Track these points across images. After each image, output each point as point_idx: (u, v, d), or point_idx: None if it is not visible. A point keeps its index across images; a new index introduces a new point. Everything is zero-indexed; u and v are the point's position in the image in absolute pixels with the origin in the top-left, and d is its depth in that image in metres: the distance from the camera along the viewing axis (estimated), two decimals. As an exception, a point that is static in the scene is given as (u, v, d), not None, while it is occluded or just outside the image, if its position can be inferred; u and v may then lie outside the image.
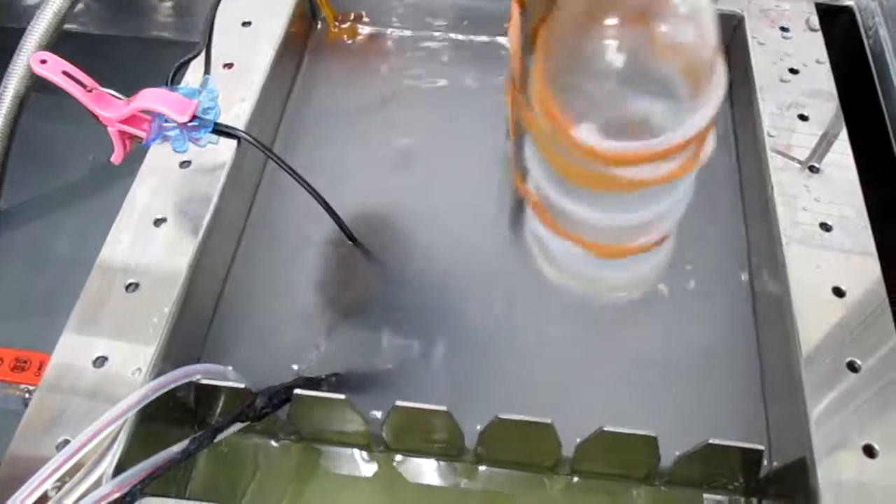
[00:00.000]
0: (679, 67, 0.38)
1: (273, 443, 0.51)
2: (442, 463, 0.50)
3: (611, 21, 0.37)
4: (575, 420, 0.46)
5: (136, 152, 0.53)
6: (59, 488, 0.40)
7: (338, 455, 0.51)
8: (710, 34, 0.38)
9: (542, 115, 0.40)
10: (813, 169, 0.54)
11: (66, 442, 0.41)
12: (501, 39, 0.70)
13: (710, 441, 0.44)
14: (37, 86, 0.56)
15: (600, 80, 0.38)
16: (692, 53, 0.38)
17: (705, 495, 0.49)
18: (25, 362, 0.55)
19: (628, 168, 0.40)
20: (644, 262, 0.52)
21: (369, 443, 0.50)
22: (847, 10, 0.67)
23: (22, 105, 0.58)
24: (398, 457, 0.51)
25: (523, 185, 0.49)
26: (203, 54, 0.54)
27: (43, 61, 0.48)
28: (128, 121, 0.48)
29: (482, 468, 0.50)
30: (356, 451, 0.51)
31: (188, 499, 0.48)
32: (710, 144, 0.42)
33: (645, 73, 0.38)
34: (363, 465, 0.51)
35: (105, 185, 0.66)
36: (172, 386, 0.43)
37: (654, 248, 0.49)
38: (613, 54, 0.37)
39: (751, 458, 0.46)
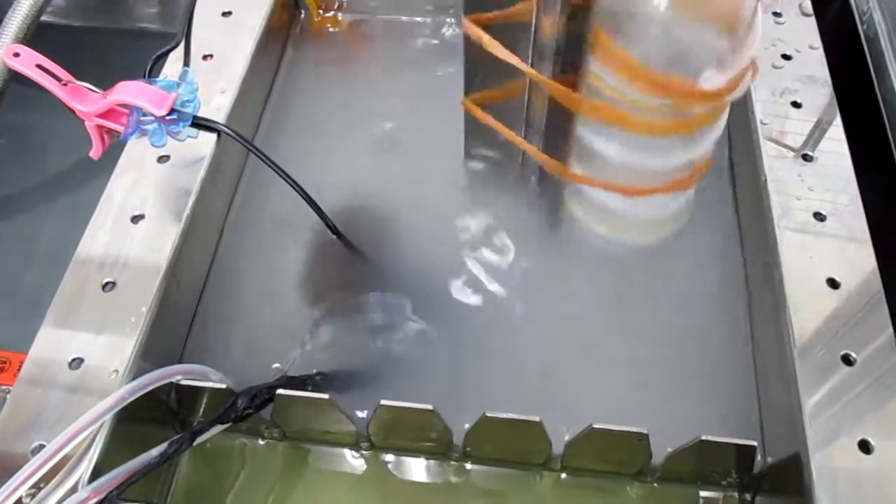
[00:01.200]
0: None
1: (259, 442, 0.51)
2: (430, 461, 0.50)
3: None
4: (565, 417, 0.45)
5: (118, 147, 0.52)
6: (34, 494, 0.39)
7: (324, 454, 0.50)
8: None
9: (611, 66, 0.44)
10: (806, 157, 0.53)
11: (42, 446, 0.40)
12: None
13: (703, 437, 0.43)
14: (21, 79, 0.55)
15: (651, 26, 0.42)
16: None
17: (699, 491, 0.48)
18: (5, 362, 0.54)
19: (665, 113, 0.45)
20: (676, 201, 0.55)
21: (356, 442, 0.49)
22: (841, -5, 0.66)
23: (1, 100, 0.57)
24: (386, 455, 0.50)
25: (563, 167, 0.52)
26: (182, 46, 0.52)
27: (16, 54, 0.47)
28: (105, 115, 0.47)
29: (471, 466, 0.49)
30: (343, 450, 0.50)
31: (169, 502, 0.48)
32: (742, 87, 0.46)
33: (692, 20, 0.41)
34: (350, 464, 0.50)
35: (90, 179, 0.65)
36: (151, 388, 0.42)
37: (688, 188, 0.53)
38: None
39: (744, 454, 0.45)
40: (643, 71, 0.43)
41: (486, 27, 0.47)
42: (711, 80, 0.43)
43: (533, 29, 0.46)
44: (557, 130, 0.51)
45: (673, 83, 0.43)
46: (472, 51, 0.48)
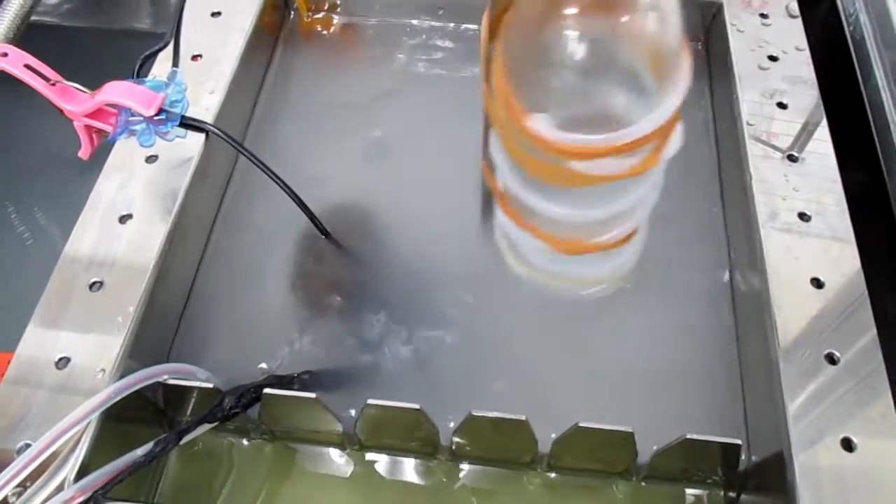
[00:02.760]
0: (643, 59, 0.37)
1: (246, 442, 0.50)
2: (418, 461, 0.50)
3: (571, 10, 0.35)
4: (551, 417, 0.45)
5: (107, 147, 0.52)
6: (20, 493, 0.39)
7: (312, 454, 0.50)
8: (675, 24, 0.36)
9: (500, 104, 0.39)
10: (792, 158, 0.54)
11: (28, 445, 0.40)
12: (474, 26, 0.69)
13: (688, 436, 0.43)
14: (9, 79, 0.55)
15: (562, 71, 0.37)
16: (656, 44, 0.37)
17: (685, 490, 0.48)
18: (-7, 362, 0.54)
19: (584, 161, 0.38)
20: (609, 260, 0.51)
21: (343, 441, 0.49)
22: (827, -4, 0.66)
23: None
24: (374, 455, 0.50)
25: (492, 176, 0.48)
26: (171, 46, 0.52)
27: (4, 54, 0.47)
28: (94, 115, 0.47)
29: (459, 465, 0.49)
30: (331, 450, 0.50)
31: (157, 501, 0.48)
32: (675, 142, 0.41)
33: (608, 66, 0.37)
34: (338, 464, 0.50)
35: (78, 179, 0.64)
36: (137, 387, 0.42)
37: (619, 247, 0.47)
38: (575, 45, 0.36)
39: (729, 453, 0.45)
40: (507, 98, 0.39)
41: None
42: (537, 122, 0.38)
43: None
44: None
45: (516, 113, 0.38)
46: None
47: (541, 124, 0.37)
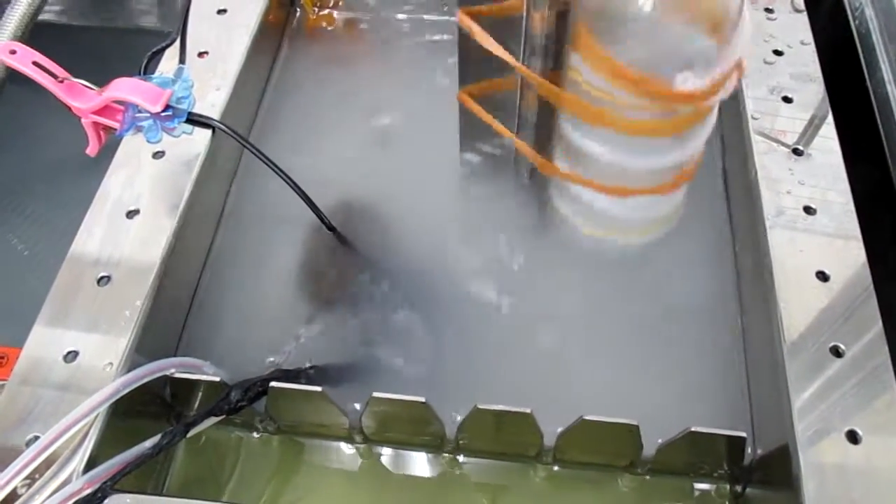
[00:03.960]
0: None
1: (253, 435, 0.51)
2: (424, 454, 0.50)
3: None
4: (556, 410, 0.45)
5: (114, 143, 0.52)
6: (30, 485, 0.40)
7: (319, 447, 0.50)
8: None
9: (620, 83, 0.43)
10: (797, 152, 0.53)
11: (36, 438, 0.41)
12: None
13: (693, 429, 0.43)
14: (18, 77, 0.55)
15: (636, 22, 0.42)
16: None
17: (691, 483, 0.48)
18: (3, 357, 0.54)
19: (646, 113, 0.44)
20: (664, 204, 0.54)
21: (349, 435, 0.49)
22: (833, -9, 0.66)
23: (-2, 97, 0.58)
24: (380, 448, 0.50)
25: (551, 164, 0.52)
26: (178, 43, 0.53)
27: (13, 52, 0.47)
28: (101, 111, 0.48)
29: (464, 459, 0.50)
30: (337, 443, 0.50)
31: (164, 494, 0.48)
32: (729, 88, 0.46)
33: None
34: (344, 457, 0.50)
35: (86, 176, 0.65)
36: (145, 380, 0.42)
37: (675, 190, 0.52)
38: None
39: (734, 446, 0.45)
40: (621, 69, 0.43)
41: (480, 20, 0.47)
42: (688, 81, 0.43)
43: (524, 24, 0.46)
44: (546, 126, 0.52)
45: (650, 82, 0.43)
46: (466, 43, 0.48)
47: (689, 82, 0.42)
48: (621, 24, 0.43)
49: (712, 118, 0.49)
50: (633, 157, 0.48)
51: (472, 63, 0.51)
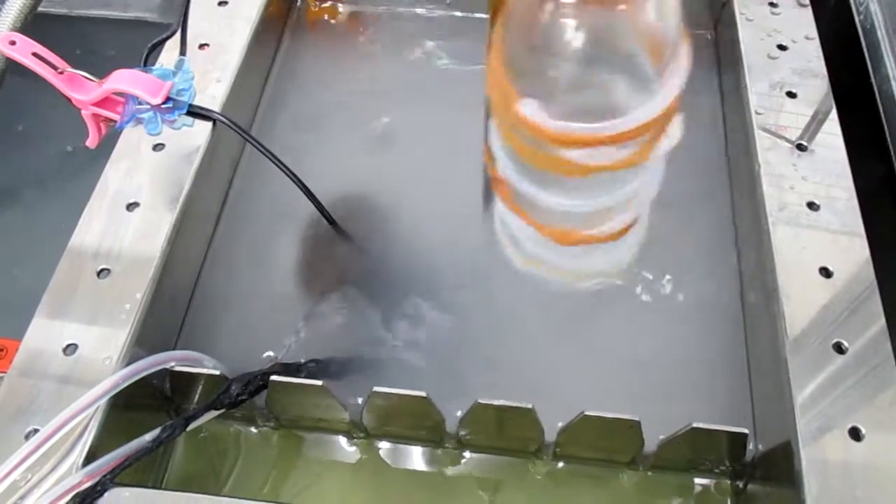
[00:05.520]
0: (642, 49, 0.37)
1: (253, 429, 0.51)
2: (424, 448, 0.50)
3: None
4: (558, 406, 0.45)
5: (114, 135, 0.52)
6: (29, 478, 0.39)
7: (319, 442, 0.50)
8: (674, 13, 0.36)
9: (493, 88, 0.39)
10: (801, 147, 0.53)
11: (36, 431, 0.41)
12: (483, 15, 0.69)
13: (694, 425, 0.43)
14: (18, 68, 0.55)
15: (560, 59, 0.36)
16: (655, 33, 0.36)
17: (692, 479, 0.48)
18: (2, 350, 0.54)
19: (576, 150, 0.38)
20: (605, 254, 0.51)
21: (350, 429, 0.49)
22: (837, -15, 0.65)
23: (-2, 87, 0.57)
24: (381, 443, 0.50)
25: (491, 164, 0.47)
26: (178, 35, 0.53)
27: (12, 42, 0.47)
28: (101, 103, 0.47)
29: (465, 454, 0.50)
30: (337, 438, 0.50)
31: (164, 488, 0.48)
32: (673, 135, 0.40)
33: (607, 55, 0.36)
34: (345, 452, 0.50)
35: (86, 168, 0.65)
36: (144, 373, 0.42)
37: (616, 241, 0.47)
38: (573, 33, 0.35)
39: (736, 442, 0.45)
40: (501, 82, 0.39)
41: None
42: (528, 107, 0.37)
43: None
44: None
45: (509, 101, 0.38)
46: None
47: (531, 110, 0.37)
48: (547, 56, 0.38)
49: (645, 171, 0.44)
50: (552, 194, 0.43)
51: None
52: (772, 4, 0.61)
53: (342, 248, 0.56)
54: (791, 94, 0.56)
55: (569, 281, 0.53)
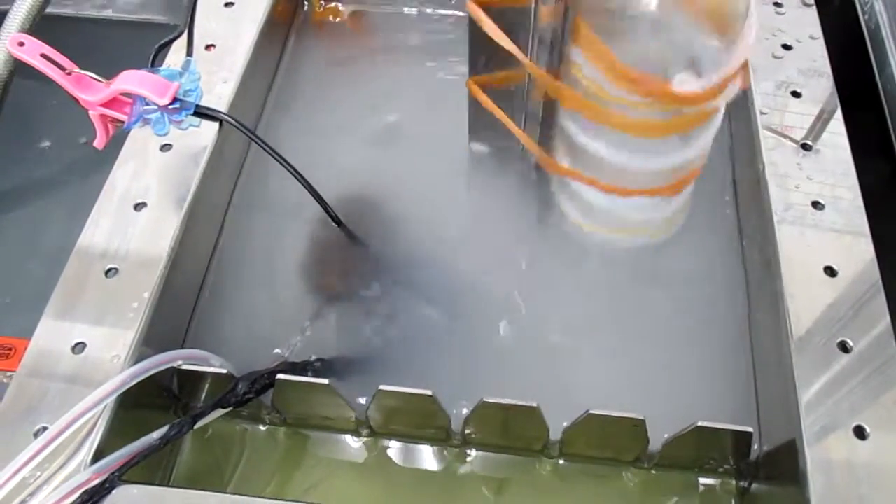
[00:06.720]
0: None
1: (260, 428, 0.51)
2: (430, 447, 0.50)
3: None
4: (563, 405, 0.45)
5: (121, 136, 0.52)
6: (38, 476, 0.40)
7: (325, 440, 0.50)
8: None
9: (618, 80, 0.43)
10: (806, 147, 0.53)
11: (44, 429, 0.41)
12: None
13: (699, 424, 0.43)
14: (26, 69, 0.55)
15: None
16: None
17: (696, 478, 0.48)
18: (10, 349, 0.55)
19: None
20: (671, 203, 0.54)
21: (356, 428, 0.50)
22: (842, -15, 0.65)
23: (6, 89, 0.58)
24: (386, 441, 0.50)
25: (552, 160, 0.52)
26: (185, 36, 0.53)
27: (21, 44, 0.47)
28: (109, 104, 0.48)
29: (471, 452, 0.50)
30: (343, 436, 0.50)
31: (171, 485, 0.48)
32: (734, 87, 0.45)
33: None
34: (350, 450, 0.50)
35: (94, 168, 0.65)
36: (152, 372, 0.42)
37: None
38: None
39: (740, 441, 0.45)
40: (619, 66, 0.42)
41: (490, 10, 0.46)
42: (686, 83, 0.42)
43: (532, 16, 0.46)
44: (551, 121, 0.51)
45: (648, 82, 0.42)
46: (475, 32, 0.47)
47: (684, 83, 0.42)
48: (622, 20, 0.42)
49: (717, 120, 0.49)
50: (633, 157, 0.48)
51: (482, 52, 0.50)
52: (776, 4, 0.62)
53: (348, 246, 0.56)
54: (796, 94, 0.56)
55: (636, 241, 0.56)
